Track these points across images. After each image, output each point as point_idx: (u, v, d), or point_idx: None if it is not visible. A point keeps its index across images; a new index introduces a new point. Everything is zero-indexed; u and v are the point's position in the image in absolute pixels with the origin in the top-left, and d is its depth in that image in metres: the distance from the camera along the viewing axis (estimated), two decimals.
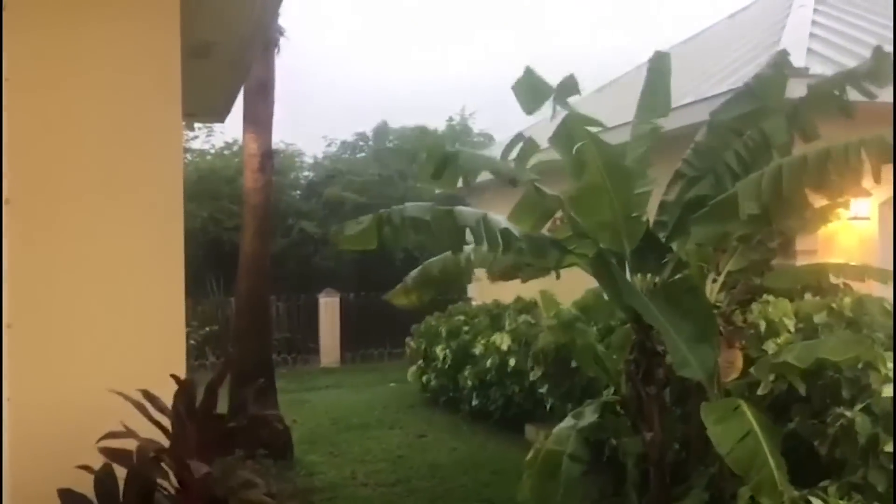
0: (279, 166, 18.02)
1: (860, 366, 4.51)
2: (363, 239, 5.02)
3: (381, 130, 22.39)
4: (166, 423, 3.40)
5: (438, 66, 45.87)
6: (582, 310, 6.18)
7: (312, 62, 41.99)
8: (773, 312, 5.21)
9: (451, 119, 23.19)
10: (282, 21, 9.41)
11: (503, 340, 9.31)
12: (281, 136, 20.77)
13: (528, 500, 5.24)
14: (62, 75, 3.72)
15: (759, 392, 4.69)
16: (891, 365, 4.42)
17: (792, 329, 5.14)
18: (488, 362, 9.52)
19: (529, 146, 4.84)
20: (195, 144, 18.86)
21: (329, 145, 22.07)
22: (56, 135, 3.69)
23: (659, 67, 5.67)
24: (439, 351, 10.78)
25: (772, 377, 4.70)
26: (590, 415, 5.49)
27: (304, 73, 41.24)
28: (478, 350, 9.92)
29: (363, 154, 21.65)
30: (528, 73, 4.89)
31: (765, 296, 5.49)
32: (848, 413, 4.30)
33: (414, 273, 5.67)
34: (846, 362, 4.50)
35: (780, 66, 5.39)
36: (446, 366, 10.63)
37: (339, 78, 43.69)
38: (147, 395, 3.38)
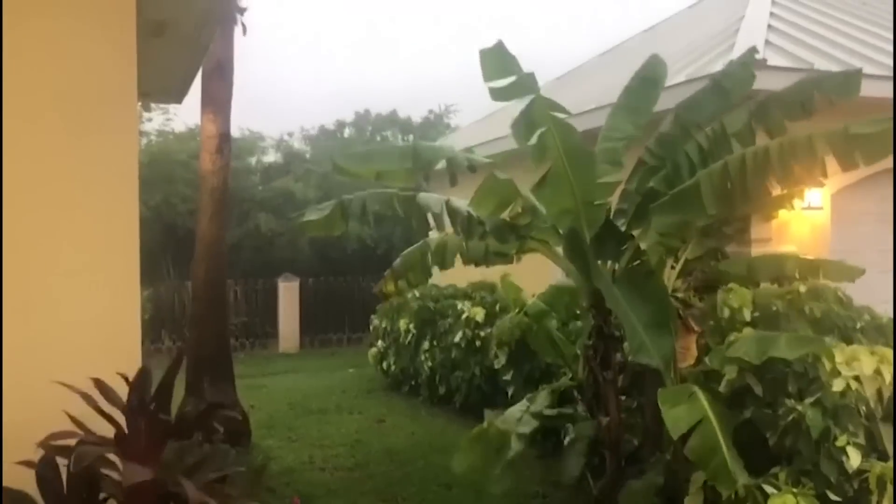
0: (239, 151, 17.85)
1: (809, 359, 4.59)
2: (327, 224, 5.00)
3: (362, 119, 22.71)
4: (118, 415, 3.30)
5: (431, 56, 46.04)
6: (548, 303, 6.22)
7: (295, 46, 41.74)
8: (733, 299, 5.29)
9: (430, 112, 23.79)
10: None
11: (477, 313, 9.32)
12: (255, 121, 20.77)
13: (465, 473, 5.41)
14: (14, 53, 3.61)
15: (721, 389, 4.75)
16: (839, 359, 4.51)
17: (748, 318, 5.22)
18: (458, 336, 9.47)
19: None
20: (150, 126, 18.54)
21: (306, 132, 22.31)
22: (6, 114, 3.57)
23: (653, 75, 5.68)
24: (403, 325, 10.72)
25: (731, 372, 4.77)
26: (544, 398, 5.55)
27: (289, 57, 41.03)
28: (449, 321, 9.88)
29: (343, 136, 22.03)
30: (499, 45, 4.80)
31: (729, 284, 5.57)
32: (798, 406, 4.39)
33: (397, 262, 5.76)
34: (799, 360, 4.59)
35: (749, 64, 5.44)
36: (408, 341, 10.58)
37: (327, 63, 43.56)
38: (99, 384, 3.27)
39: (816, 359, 4.56)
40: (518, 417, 5.58)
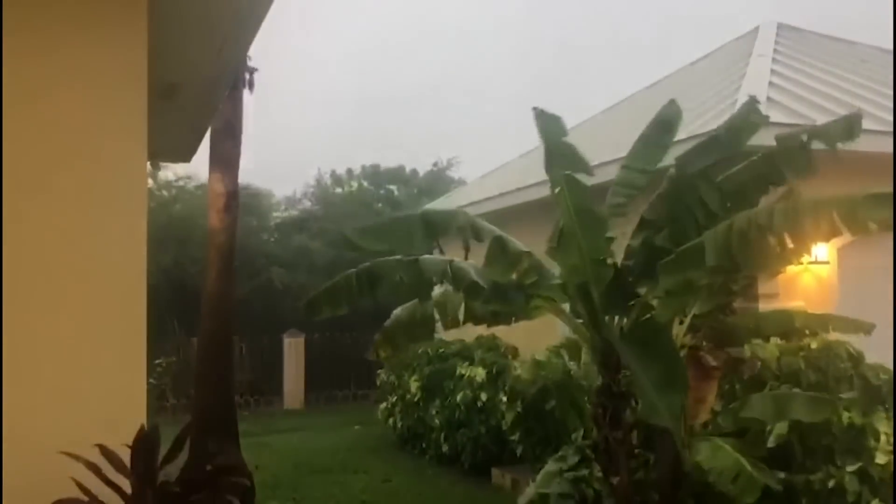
0: (251, 207, 18.10)
1: (853, 433, 4.59)
2: (336, 303, 5.05)
3: (370, 173, 23.22)
4: (124, 482, 3.25)
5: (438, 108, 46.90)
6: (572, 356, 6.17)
7: (305, 100, 42.48)
8: (763, 354, 5.28)
9: (434, 164, 24.22)
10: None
11: (476, 373, 9.29)
12: (267, 177, 21.22)
13: None
14: (28, 115, 3.67)
15: (770, 444, 4.73)
16: (886, 427, 4.49)
17: (778, 372, 5.23)
18: (459, 397, 9.45)
19: None
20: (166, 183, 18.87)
21: (332, 174, 22.68)
22: (19, 175, 3.62)
23: (668, 119, 5.59)
24: (412, 384, 10.65)
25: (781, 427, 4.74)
26: (571, 458, 5.48)
27: (299, 112, 41.75)
28: (459, 372, 9.82)
29: (351, 188, 22.47)
30: (538, 110, 5.11)
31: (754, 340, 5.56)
32: (835, 474, 4.36)
33: (388, 323, 5.61)
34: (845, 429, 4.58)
35: (750, 115, 5.40)
36: (416, 399, 10.51)
37: (337, 115, 44.37)
38: (105, 452, 3.23)
39: (861, 430, 4.54)
40: (554, 476, 5.50)
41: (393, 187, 23.39)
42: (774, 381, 5.19)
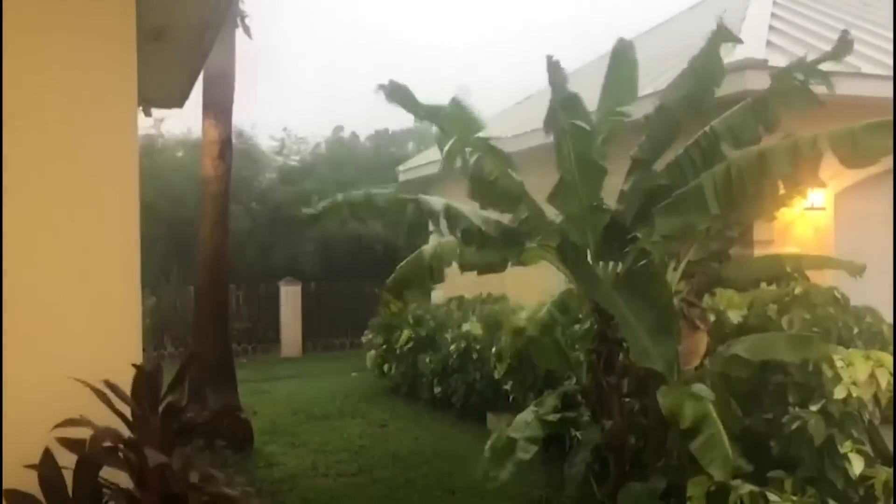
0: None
1: (810, 368, 4.58)
2: (326, 216, 5.02)
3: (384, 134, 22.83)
4: (128, 414, 3.33)
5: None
6: (561, 310, 6.16)
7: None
8: (718, 302, 5.29)
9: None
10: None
11: (475, 327, 9.38)
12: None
13: (482, 482, 5.36)
14: (14, 60, 3.60)
15: (728, 394, 4.75)
16: (840, 363, 4.50)
17: (735, 322, 5.23)
18: (452, 347, 9.55)
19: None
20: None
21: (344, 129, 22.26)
22: (6, 120, 3.56)
23: (623, 57, 5.64)
24: (404, 337, 10.72)
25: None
26: (551, 403, 5.51)
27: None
28: (449, 335, 9.92)
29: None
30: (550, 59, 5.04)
31: (718, 288, 5.56)
32: (802, 414, 4.38)
33: (392, 279, 5.52)
34: (797, 362, 4.59)
35: (717, 38, 5.31)
36: (406, 349, 10.62)
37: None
38: (110, 385, 3.30)
39: (817, 366, 4.55)
40: (527, 422, 5.53)
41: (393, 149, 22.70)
42: (737, 335, 5.18)
